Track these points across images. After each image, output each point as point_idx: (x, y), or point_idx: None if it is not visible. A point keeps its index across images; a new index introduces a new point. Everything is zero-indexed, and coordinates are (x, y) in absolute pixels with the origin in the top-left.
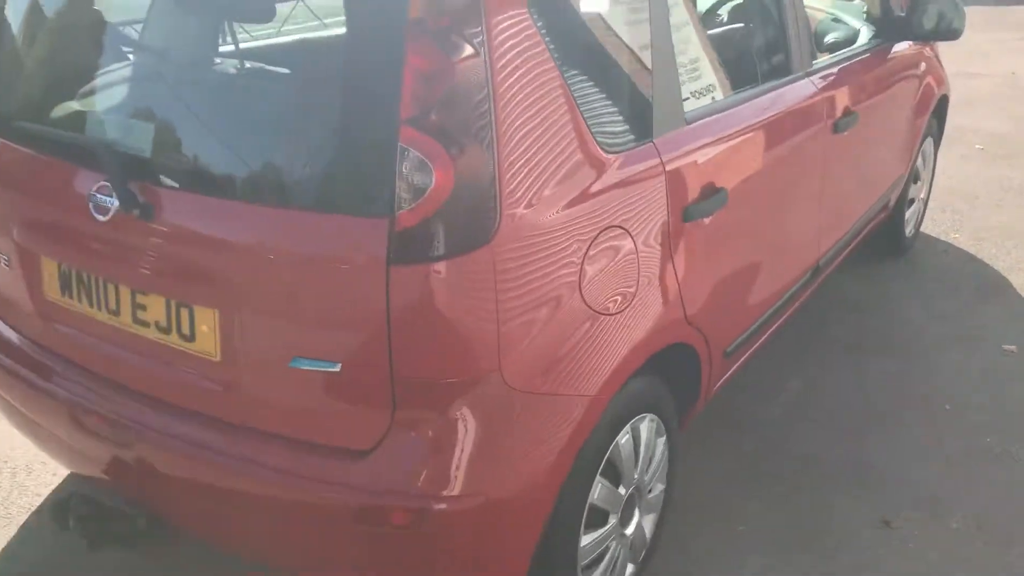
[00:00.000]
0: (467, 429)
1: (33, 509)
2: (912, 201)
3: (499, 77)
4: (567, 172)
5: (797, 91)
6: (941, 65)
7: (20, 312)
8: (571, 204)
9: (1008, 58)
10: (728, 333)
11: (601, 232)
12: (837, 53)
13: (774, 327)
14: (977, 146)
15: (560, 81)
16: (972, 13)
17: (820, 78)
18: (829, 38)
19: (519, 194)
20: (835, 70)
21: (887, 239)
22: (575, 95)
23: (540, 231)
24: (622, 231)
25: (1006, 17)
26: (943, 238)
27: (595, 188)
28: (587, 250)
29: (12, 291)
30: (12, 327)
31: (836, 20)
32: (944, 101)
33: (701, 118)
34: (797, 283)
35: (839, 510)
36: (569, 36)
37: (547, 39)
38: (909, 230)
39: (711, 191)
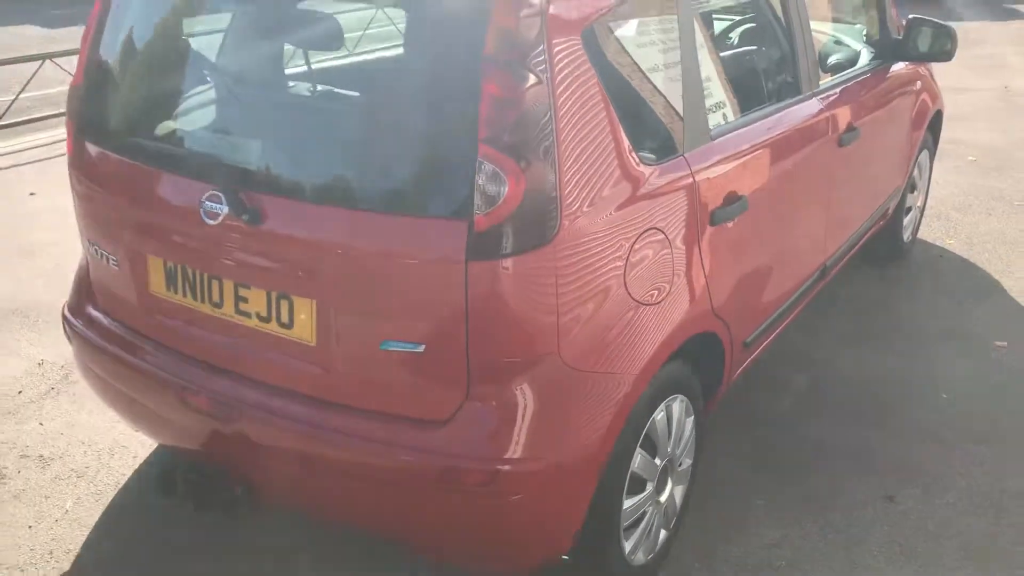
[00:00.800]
0: (530, 402)
1: (120, 486)
2: (909, 209)
3: (559, 102)
4: (614, 183)
5: (805, 109)
6: (935, 82)
7: (126, 306)
8: (617, 210)
9: (1002, 72)
10: (748, 325)
11: (642, 234)
12: (840, 74)
13: (786, 322)
14: (970, 158)
15: (606, 104)
16: (967, 28)
17: (825, 97)
18: (832, 59)
19: (575, 201)
20: (838, 89)
21: (887, 244)
22: (619, 116)
23: (592, 233)
24: (659, 233)
25: (1000, 31)
26: (938, 243)
27: (636, 196)
28: (630, 249)
29: (119, 288)
30: (118, 320)
31: (838, 42)
32: (939, 116)
33: (723, 135)
34: (807, 282)
35: (847, 488)
36: (613, 63)
37: (595, 66)
38: (907, 236)
39: (734, 198)
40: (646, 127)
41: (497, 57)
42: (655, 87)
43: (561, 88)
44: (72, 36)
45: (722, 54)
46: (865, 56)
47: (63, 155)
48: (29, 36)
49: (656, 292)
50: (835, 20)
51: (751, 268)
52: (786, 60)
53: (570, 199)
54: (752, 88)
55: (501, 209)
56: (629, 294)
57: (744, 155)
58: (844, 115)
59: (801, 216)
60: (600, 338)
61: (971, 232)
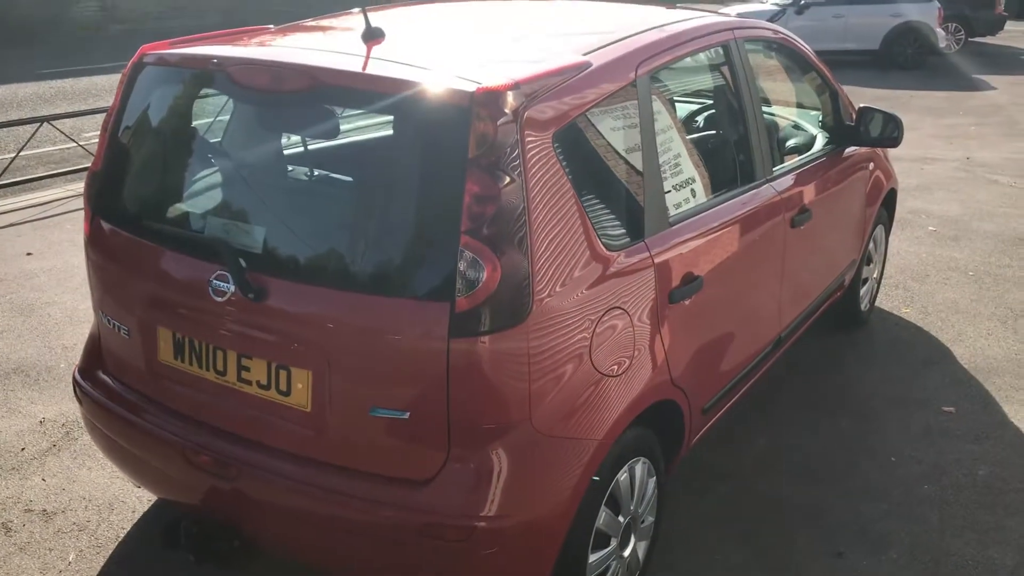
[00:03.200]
0: (504, 464)
1: (120, 540)
2: (866, 280)
3: (531, 196)
4: (581, 267)
5: (760, 194)
6: (889, 162)
7: (135, 372)
8: (584, 291)
9: (965, 143)
10: (706, 393)
11: (606, 312)
12: (793, 160)
13: (744, 389)
14: (930, 228)
15: (574, 197)
16: (936, 97)
17: (780, 181)
18: (790, 143)
19: (546, 285)
20: (792, 174)
21: (844, 313)
22: (585, 207)
23: (561, 312)
24: (622, 311)
25: (964, 103)
26: (895, 312)
27: (601, 278)
28: (595, 326)
29: (128, 355)
30: (126, 384)
31: (796, 127)
32: (892, 194)
33: (681, 220)
34: (763, 352)
35: (799, 543)
36: (580, 158)
37: (564, 163)
38: (864, 305)
39: (690, 278)
40: (610, 216)
41: (478, 160)
42: (618, 179)
43: (533, 184)
44: (63, 93)
45: (681, 144)
46: (820, 141)
47: (59, 215)
48: (22, 95)
49: (619, 365)
50: (792, 106)
51: (708, 341)
52: (742, 147)
53: (542, 283)
54: (709, 175)
55: (480, 292)
56: (594, 367)
57: (700, 238)
58: (797, 198)
59: (755, 292)
60: (568, 406)
61: (927, 301)
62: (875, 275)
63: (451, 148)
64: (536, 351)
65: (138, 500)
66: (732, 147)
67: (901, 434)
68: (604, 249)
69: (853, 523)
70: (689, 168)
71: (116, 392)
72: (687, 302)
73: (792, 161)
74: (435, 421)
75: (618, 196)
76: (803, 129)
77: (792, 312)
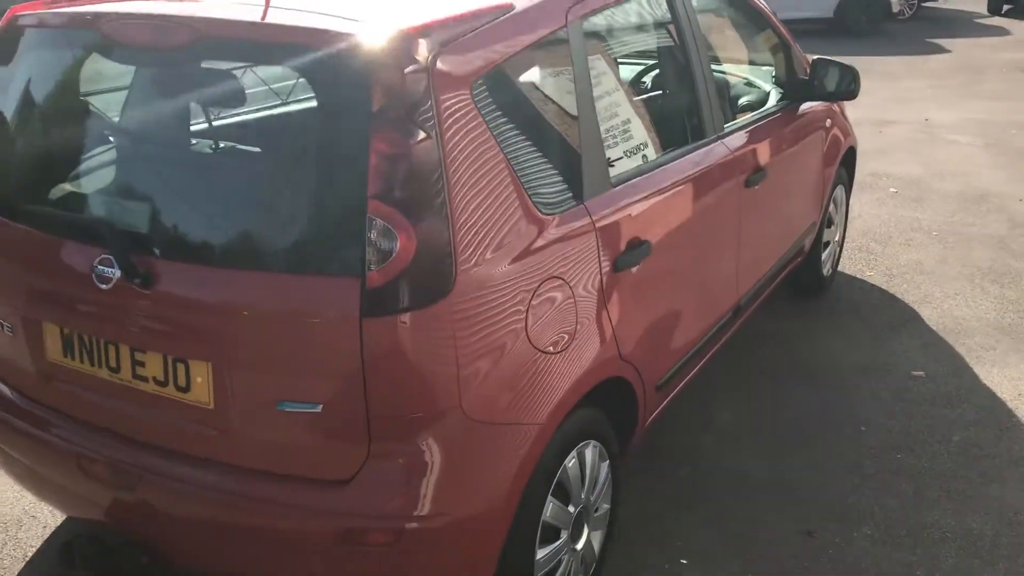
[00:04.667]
0: (433, 457)
1: (27, 560)
2: (827, 244)
3: (449, 155)
4: (511, 233)
5: (711, 153)
6: (847, 119)
7: (22, 373)
8: (516, 260)
9: (923, 105)
10: (659, 368)
11: (542, 283)
12: (746, 117)
13: (702, 362)
14: (891, 190)
15: (501, 155)
16: (892, 62)
17: (731, 139)
18: (743, 101)
19: (471, 254)
20: (745, 132)
21: (806, 279)
22: (515, 166)
23: (490, 284)
24: (561, 281)
25: (920, 66)
26: (859, 276)
27: (536, 245)
28: (531, 299)
29: (14, 355)
30: (13, 387)
31: (749, 84)
32: (851, 152)
33: (625, 181)
34: (720, 321)
35: (767, 524)
36: (508, 115)
37: (487, 119)
38: (826, 270)
39: (637, 243)
40: (544, 176)
41: (384, 114)
42: (552, 135)
43: (451, 141)
44: None
45: (623, 100)
46: (774, 97)
47: None
48: None
49: (559, 341)
50: (744, 63)
51: (660, 312)
52: (690, 103)
53: (466, 252)
54: (655, 133)
55: (393, 264)
56: (532, 344)
57: (646, 200)
58: (751, 157)
59: (710, 257)
60: (503, 389)
61: (891, 263)
62: (836, 238)
63: (353, 102)
64: (463, 329)
65: (51, 515)
66: (679, 103)
67: (870, 402)
68: (538, 212)
69: (823, 498)
70: (633, 125)
71: (5, 398)
72: (634, 269)
73: (745, 118)
74: (351, 413)
75: (552, 154)
76: (756, 86)
77: (750, 278)
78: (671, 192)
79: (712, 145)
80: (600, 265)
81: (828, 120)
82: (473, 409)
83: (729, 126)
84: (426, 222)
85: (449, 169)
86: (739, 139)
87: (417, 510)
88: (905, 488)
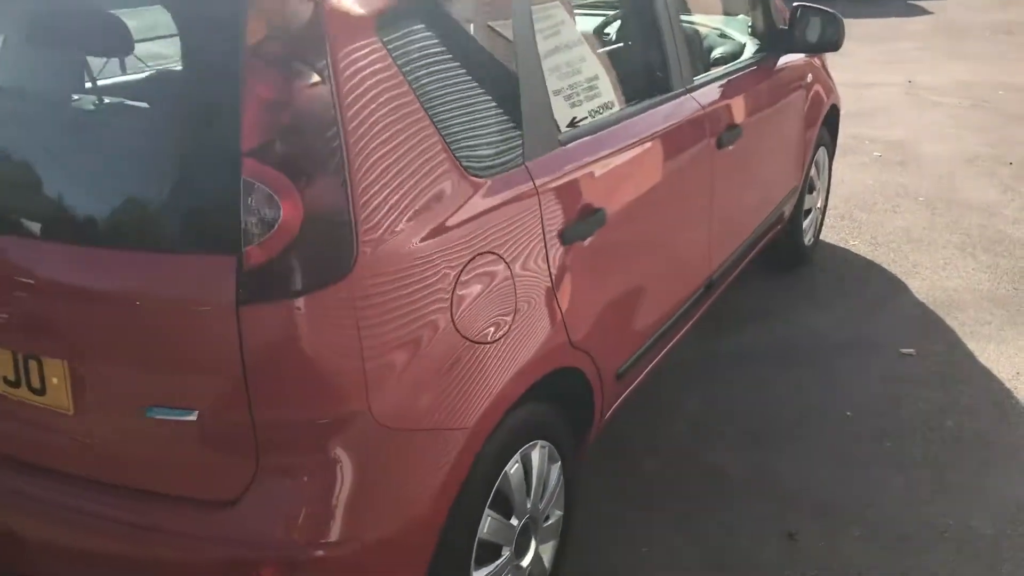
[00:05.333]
0: (338, 472)
1: None
2: (809, 211)
3: (348, 104)
4: (431, 199)
5: (677, 108)
6: (830, 76)
7: None
8: (437, 232)
9: (906, 67)
10: (619, 354)
11: (473, 259)
12: (718, 69)
13: (669, 345)
14: (875, 154)
15: (418, 107)
16: (872, 24)
17: (702, 93)
18: (716, 52)
19: (378, 224)
20: (716, 86)
21: (786, 249)
22: (437, 120)
23: (404, 261)
24: (496, 257)
25: (905, 27)
26: (842, 245)
27: (463, 214)
28: (458, 278)
29: None
30: None
31: (723, 35)
32: (834, 111)
33: (576, 139)
34: (689, 299)
35: (744, 525)
36: (428, 62)
37: (402, 65)
38: (808, 239)
39: (589, 212)
40: (476, 133)
41: (262, 49)
42: (484, 84)
43: (349, 85)
44: None
45: (587, 55)
46: (750, 49)
47: None
48: None
49: (495, 327)
50: (717, 12)
51: (617, 290)
52: (655, 56)
53: (370, 223)
54: (613, 84)
55: (276, 239)
56: (459, 332)
57: (601, 161)
58: (724, 112)
59: (676, 227)
60: (423, 388)
61: (876, 231)
62: (819, 205)
63: (222, 35)
64: (369, 316)
65: None
66: (643, 55)
67: (856, 384)
68: (467, 175)
69: (805, 495)
70: (586, 73)
71: None
72: (586, 242)
73: (717, 71)
74: (234, 421)
75: (485, 106)
76: (730, 37)
77: (724, 250)
78: (630, 152)
79: (679, 99)
80: (545, 237)
81: (809, 75)
82: (385, 413)
83: (700, 79)
84: (317, 186)
85: (348, 120)
86: (710, 93)
87: (317, 535)
88: (896, 482)
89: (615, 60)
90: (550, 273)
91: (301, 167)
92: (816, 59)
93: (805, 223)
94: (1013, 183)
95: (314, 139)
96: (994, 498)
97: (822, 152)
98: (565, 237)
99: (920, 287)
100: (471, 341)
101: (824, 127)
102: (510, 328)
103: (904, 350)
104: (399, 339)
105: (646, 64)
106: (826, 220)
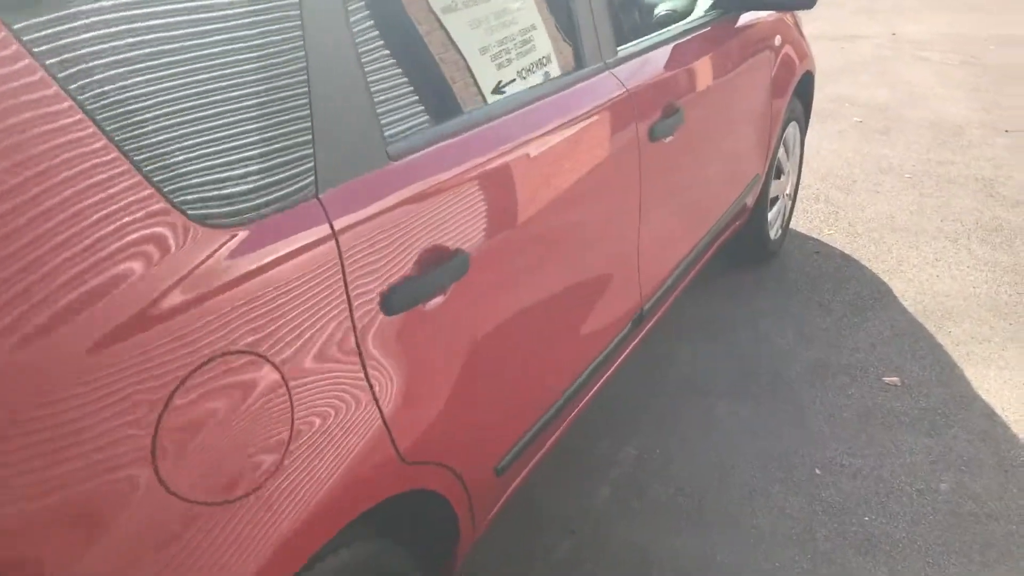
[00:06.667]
0: None
1: None
2: (776, 199)
3: None
4: (113, 277)
5: (586, 92)
6: (803, 35)
7: None
8: (127, 330)
9: (888, 17)
10: (495, 447)
11: (201, 367)
12: (655, 34)
13: (583, 402)
14: (855, 119)
15: (82, 120)
16: None
17: (626, 70)
18: (660, 11)
19: (7, 327)
20: (651, 57)
21: (749, 245)
22: (120, 138)
23: (59, 387)
24: (252, 358)
25: None
26: (815, 235)
27: (184, 292)
28: (168, 404)
29: None
30: None
31: None
32: (809, 78)
33: (416, 150)
34: (609, 346)
35: None
36: (106, 49)
37: (52, 62)
38: (775, 232)
39: (436, 259)
40: (211, 153)
41: None
42: (236, 78)
43: None
44: None
45: (419, 11)
46: (703, 6)
47: None
48: None
49: (250, 473)
50: None
51: (487, 363)
52: (551, 17)
53: None
54: (482, 61)
55: None
56: (169, 490)
57: (461, 179)
58: (658, 92)
59: (583, 259)
60: None
61: (855, 217)
62: (788, 191)
63: None
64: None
65: None
66: (529, 12)
67: (828, 428)
68: (195, 223)
69: None
70: (433, 45)
71: None
72: (432, 304)
73: (652, 37)
74: None
75: (230, 109)
76: None
77: (659, 272)
78: (506, 163)
79: (591, 80)
80: (352, 309)
81: (778, 36)
82: None
83: (626, 49)
84: None
85: None
86: (640, 68)
87: None
88: (879, 570)
89: (483, 30)
90: (362, 364)
91: None
92: (787, 16)
93: (771, 213)
94: (1009, 156)
95: None
96: None
97: (793, 129)
98: (391, 303)
99: (906, 291)
100: (198, 504)
101: (795, 97)
102: (280, 469)
103: (887, 379)
104: (51, 509)
105: (537, 31)
106: (798, 203)
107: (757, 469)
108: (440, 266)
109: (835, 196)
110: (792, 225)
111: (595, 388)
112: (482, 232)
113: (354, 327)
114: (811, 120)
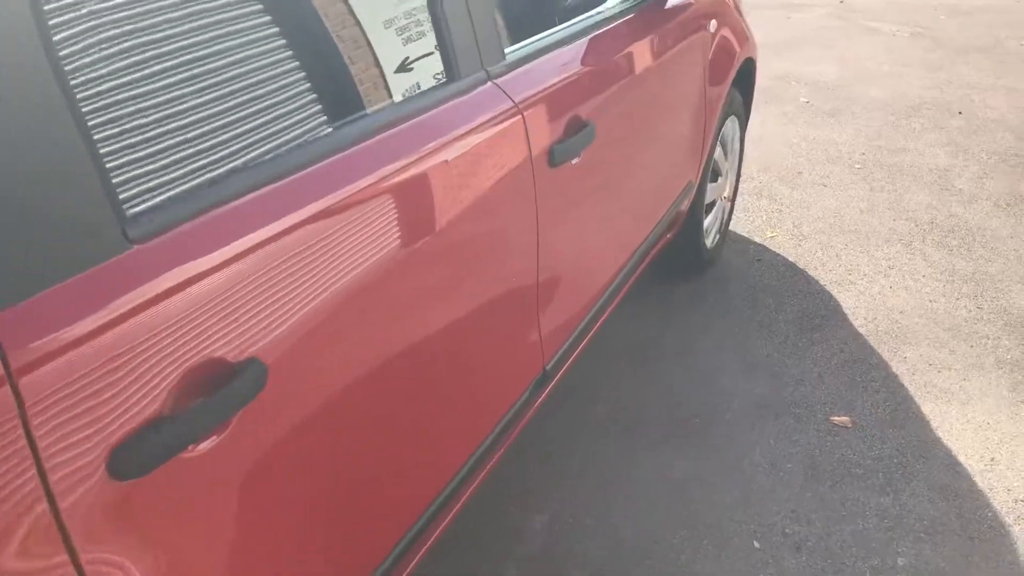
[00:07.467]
0: None
1: None
2: (713, 204)
3: None
4: None
5: (457, 113)
6: (742, 14)
7: None
8: None
9: None
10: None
11: None
12: (561, 28)
13: (478, 479)
14: (801, 100)
15: None
16: None
17: (516, 79)
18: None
19: None
20: (552, 57)
21: (682, 257)
22: None
23: None
24: None
25: None
26: (757, 238)
27: None
28: None
29: None
30: None
31: None
32: (749, 67)
33: (224, 204)
34: (497, 425)
35: None
36: None
37: None
38: (712, 239)
39: (203, 383)
40: None
41: None
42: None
43: None
44: None
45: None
46: None
47: None
48: None
49: None
50: None
51: (311, 499)
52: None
53: None
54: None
55: None
56: None
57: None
58: (560, 105)
59: (465, 317)
60: None
61: (800, 217)
62: (726, 194)
63: None
64: None
65: None
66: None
67: (767, 484)
68: None
69: None
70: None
71: None
72: (198, 450)
73: (560, 30)
74: None
75: None
76: None
77: (567, 321)
78: (348, 210)
79: (467, 96)
80: (45, 480)
81: (713, 21)
82: None
83: (517, 51)
84: None
85: None
86: (536, 74)
87: None
88: None
89: (318, 36)
90: (72, 556)
91: None
92: None
93: (707, 220)
94: (964, 140)
95: None
96: None
97: (732, 124)
98: (123, 465)
99: (856, 307)
100: None
101: (735, 88)
102: None
103: (836, 418)
104: None
105: (389, 33)
106: (739, 197)
107: (686, 542)
108: (214, 393)
109: (779, 191)
110: (732, 226)
111: (484, 472)
112: (285, 327)
113: (55, 505)
114: (754, 101)
